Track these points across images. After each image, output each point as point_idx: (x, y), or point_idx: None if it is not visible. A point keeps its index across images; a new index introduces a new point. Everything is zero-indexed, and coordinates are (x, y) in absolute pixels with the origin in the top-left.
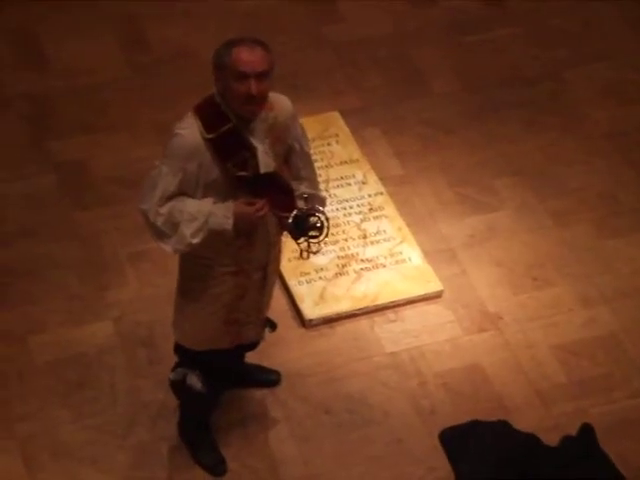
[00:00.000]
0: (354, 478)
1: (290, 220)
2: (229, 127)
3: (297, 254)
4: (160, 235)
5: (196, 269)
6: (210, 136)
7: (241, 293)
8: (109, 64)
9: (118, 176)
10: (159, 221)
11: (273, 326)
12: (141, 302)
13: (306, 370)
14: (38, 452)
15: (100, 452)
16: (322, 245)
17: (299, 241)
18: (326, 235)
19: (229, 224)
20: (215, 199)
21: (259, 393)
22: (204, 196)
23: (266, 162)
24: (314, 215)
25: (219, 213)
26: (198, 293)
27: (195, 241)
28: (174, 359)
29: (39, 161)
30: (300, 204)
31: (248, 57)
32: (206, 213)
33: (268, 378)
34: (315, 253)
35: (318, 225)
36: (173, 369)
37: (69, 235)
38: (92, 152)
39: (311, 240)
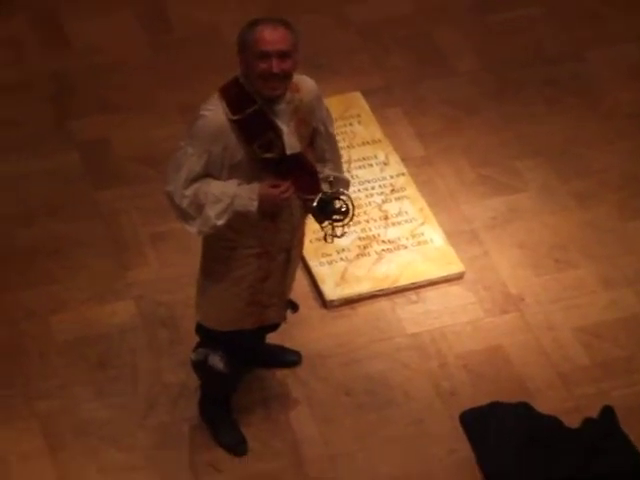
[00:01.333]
0: (374, 459)
1: (315, 204)
2: (255, 109)
3: (320, 235)
4: (185, 217)
5: (220, 251)
6: (236, 117)
7: (264, 275)
8: (131, 43)
9: (139, 155)
10: (184, 203)
11: (295, 307)
12: (162, 282)
13: (327, 351)
14: (59, 430)
15: (121, 431)
16: (346, 229)
17: (323, 225)
18: (351, 219)
19: (254, 206)
20: (240, 181)
21: (280, 373)
22: (229, 178)
23: (292, 144)
24: (339, 199)
25: (244, 195)
26: (221, 275)
27: (220, 223)
28: (195, 339)
29: (61, 140)
30: (325, 187)
31: (270, 36)
32: (231, 195)
33: (289, 359)
34: (340, 237)
35: (343, 209)
36: (195, 349)
37: (91, 214)
38: (114, 131)
39: (335, 224)
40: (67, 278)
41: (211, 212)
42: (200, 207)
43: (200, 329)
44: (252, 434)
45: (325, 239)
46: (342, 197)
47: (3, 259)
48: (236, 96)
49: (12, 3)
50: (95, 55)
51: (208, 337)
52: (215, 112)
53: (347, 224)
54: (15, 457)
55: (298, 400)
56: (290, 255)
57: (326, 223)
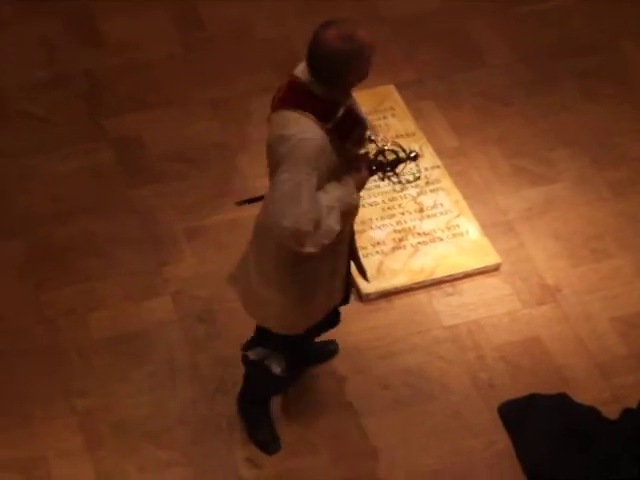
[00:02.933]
0: (413, 452)
1: (379, 158)
2: (343, 110)
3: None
4: (304, 240)
5: (299, 259)
6: (330, 125)
7: (334, 271)
8: (163, 41)
9: (173, 152)
10: (311, 226)
11: (364, 274)
12: (198, 278)
13: (364, 344)
14: (98, 428)
15: (159, 427)
16: (414, 172)
17: (389, 174)
18: (408, 157)
19: (355, 199)
20: (333, 182)
21: (317, 367)
22: (326, 183)
23: (375, 130)
24: (385, 151)
25: (345, 192)
26: (302, 285)
27: (339, 228)
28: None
29: (95, 138)
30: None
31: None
32: (337, 197)
33: (330, 348)
34: (413, 180)
35: (399, 154)
36: (249, 347)
37: (127, 211)
38: (147, 128)
39: (397, 171)
40: (104, 275)
41: (331, 222)
42: (318, 222)
43: (263, 331)
44: (289, 428)
45: (400, 182)
46: (386, 147)
47: (40, 257)
48: (321, 106)
49: (46, 2)
50: (128, 53)
51: (267, 338)
52: (312, 131)
53: (406, 162)
54: (54, 455)
55: (335, 393)
56: (351, 246)
57: (391, 173)
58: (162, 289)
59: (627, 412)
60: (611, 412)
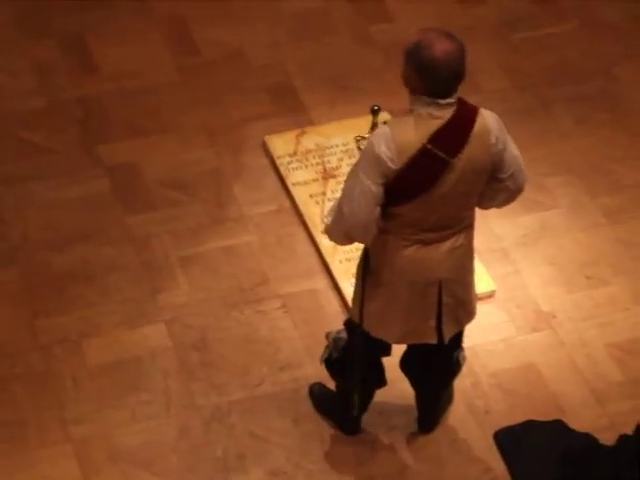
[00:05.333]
0: (409, 479)
1: None
2: None
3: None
4: None
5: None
6: None
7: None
8: (158, 67)
9: (169, 179)
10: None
11: None
12: (192, 305)
13: None
14: (93, 455)
15: (154, 455)
16: None
17: None
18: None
19: None
20: None
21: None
22: None
23: None
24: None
25: None
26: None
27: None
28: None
29: (92, 165)
30: None
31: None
32: None
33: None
34: None
35: None
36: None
37: (122, 238)
38: (143, 155)
39: None
40: (99, 302)
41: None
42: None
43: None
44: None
45: None
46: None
47: (37, 285)
48: None
49: (41, 29)
50: (123, 79)
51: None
52: None
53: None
54: None
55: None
56: None
57: None
58: (157, 316)
59: (624, 438)
60: (607, 439)
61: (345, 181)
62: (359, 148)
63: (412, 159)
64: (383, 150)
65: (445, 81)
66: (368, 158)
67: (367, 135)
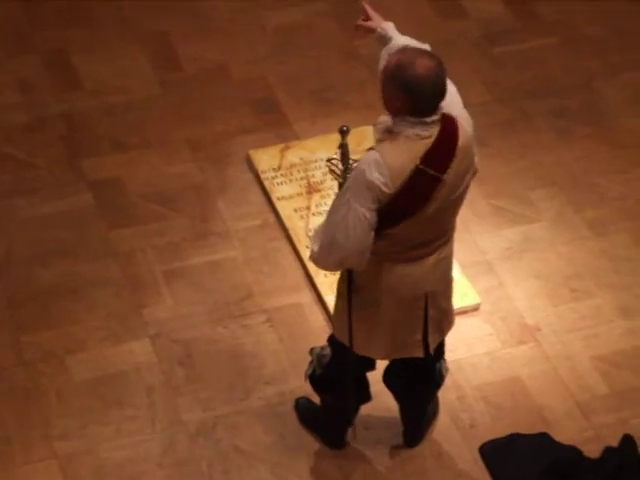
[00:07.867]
0: None
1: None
2: None
3: None
4: None
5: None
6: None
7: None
8: (141, 82)
9: (153, 193)
10: None
11: None
12: (177, 320)
13: None
14: (79, 471)
15: (140, 471)
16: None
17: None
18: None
19: None
20: None
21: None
22: None
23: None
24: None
25: None
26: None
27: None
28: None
29: (75, 180)
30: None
31: None
32: None
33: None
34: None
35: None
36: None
37: (106, 253)
38: (126, 170)
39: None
40: (84, 318)
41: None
42: None
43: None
44: None
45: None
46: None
47: (21, 301)
48: None
49: (24, 45)
50: (106, 95)
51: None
52: None
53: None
54: None
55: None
56: None
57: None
58: (141, 332)
59: (609, 451)
60: (592, 451)
61: (332, 209)
62: (332, 171)
63: (406, 182)
64: (376, 176)
65: (432, 97)
66: (359, 185)
67: (335, 155)
